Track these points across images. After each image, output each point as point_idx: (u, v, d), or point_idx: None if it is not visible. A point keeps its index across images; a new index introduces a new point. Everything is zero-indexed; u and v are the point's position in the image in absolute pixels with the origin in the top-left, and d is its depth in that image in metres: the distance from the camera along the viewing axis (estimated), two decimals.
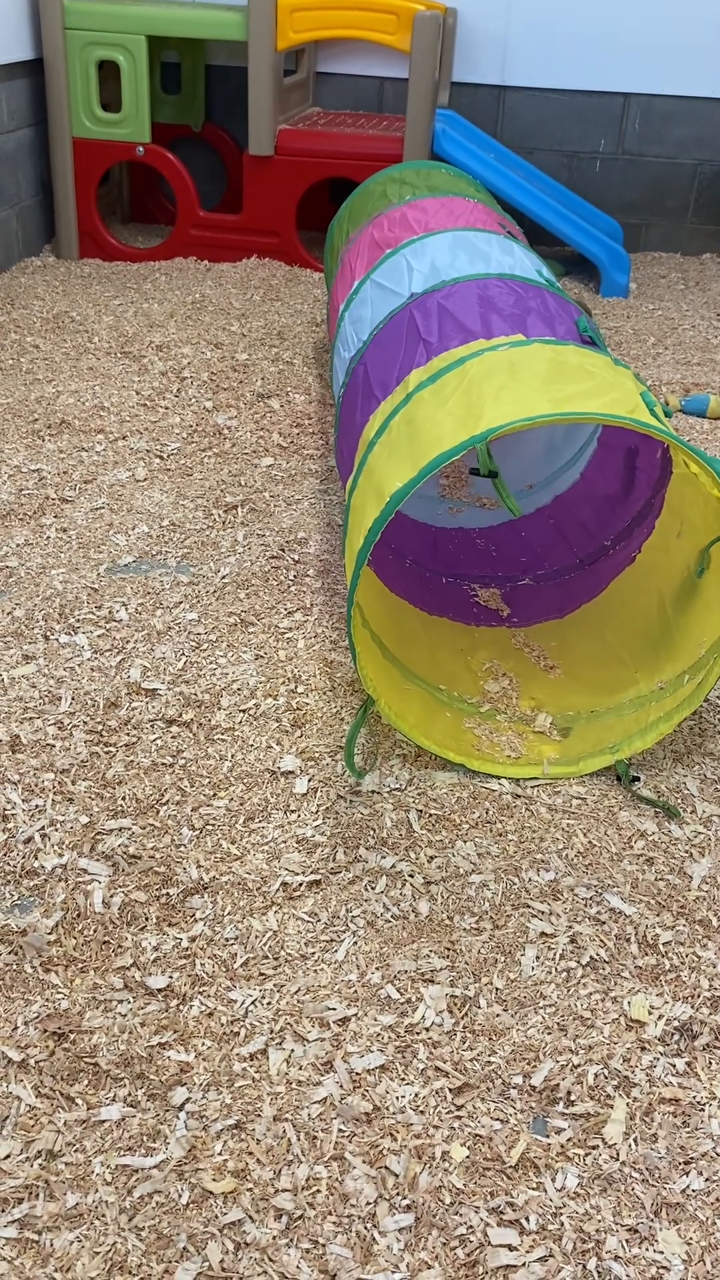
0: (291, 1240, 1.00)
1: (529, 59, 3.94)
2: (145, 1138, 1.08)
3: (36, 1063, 1.14)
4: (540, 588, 1.90)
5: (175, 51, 3.99)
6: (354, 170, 3.49)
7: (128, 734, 1.59)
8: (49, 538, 2.08)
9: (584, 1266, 0.99)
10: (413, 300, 1.84)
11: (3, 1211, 1.01)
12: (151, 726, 1.60)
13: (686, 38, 3.85)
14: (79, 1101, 1.11)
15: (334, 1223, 1.01)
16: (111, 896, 1.33)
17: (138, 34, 3.43)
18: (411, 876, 1.37)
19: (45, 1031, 1.17)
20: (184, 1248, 0.99)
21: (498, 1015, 1.21)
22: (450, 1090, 1.13)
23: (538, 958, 1.28)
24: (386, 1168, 1.06)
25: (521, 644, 1.80)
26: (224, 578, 1.98)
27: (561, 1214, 1.03)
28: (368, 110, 4.09)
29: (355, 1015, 1.20)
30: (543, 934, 1.30)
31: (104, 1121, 1.09)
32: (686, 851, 1.44)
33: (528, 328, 1.65)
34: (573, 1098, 1.13)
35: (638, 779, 1.55)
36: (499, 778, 1.54)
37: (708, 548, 1.52)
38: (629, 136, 4.05)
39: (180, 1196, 1.03)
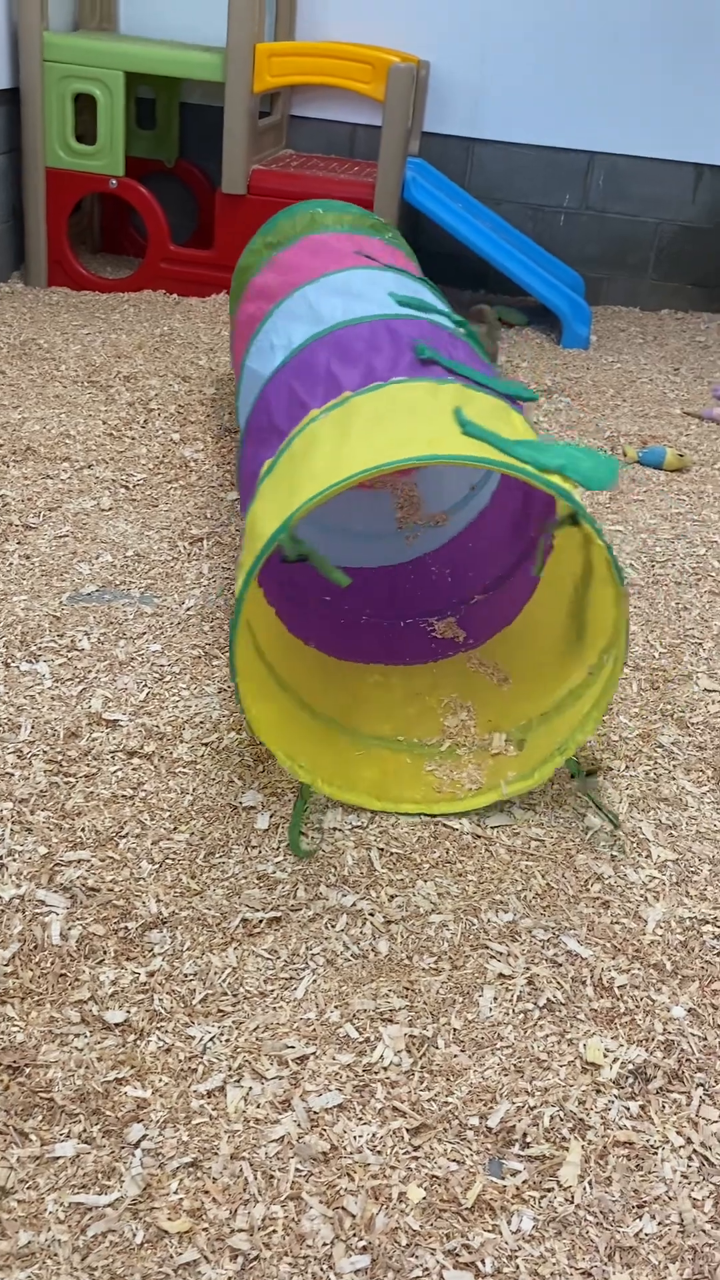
0: None
1: (499, 113, 4.04)
2: (100, 1175, 1.07)
3: None
4: (491, 599, 1.90)
5: (151, 88, 4.04)
6: None
7: (88, 764, 1.58)
8: (11, 564, 2.07)
9: None
10: (271, 381, 1.86)
11: None
12: (112, 758, 1.60)
13: (650, 103, 3.98)
14: (33, 1137, 1.09)
15: (290, 1264, 1.01)
16: (69, 929, 1.31)
17: (116, 70, 3.47)
18: (372, 915, 1.38)
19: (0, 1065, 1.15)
20: None
21: (455, 1056, 1.21)
22: (408, 1130, 1.13)
23: (495, 999, 1.28)
24: (344, 1208, 1.05)
25: (476, 665, 1.82)
26: (188, 610, 1.98)
27: (517, 1257, 1.03)
28: (339, 155, 4.16)
29: (314, 1054, 1.20)
30: (501, 975, 1.32)
31: (58, 1158, 1.08)
32: (642, 895, 1.46)
33: (361, 381, 1.65)
34: (529, 1139, 1.14)
35: (593, 773, 1.57)
36: (460, 815, 1.56)
37: (547, 539, 1.58)
38: (593, 193, 4.16)
39: (134, 1236, 1.02)
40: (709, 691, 1.90)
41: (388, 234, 2.51)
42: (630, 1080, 1.21)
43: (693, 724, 1.81)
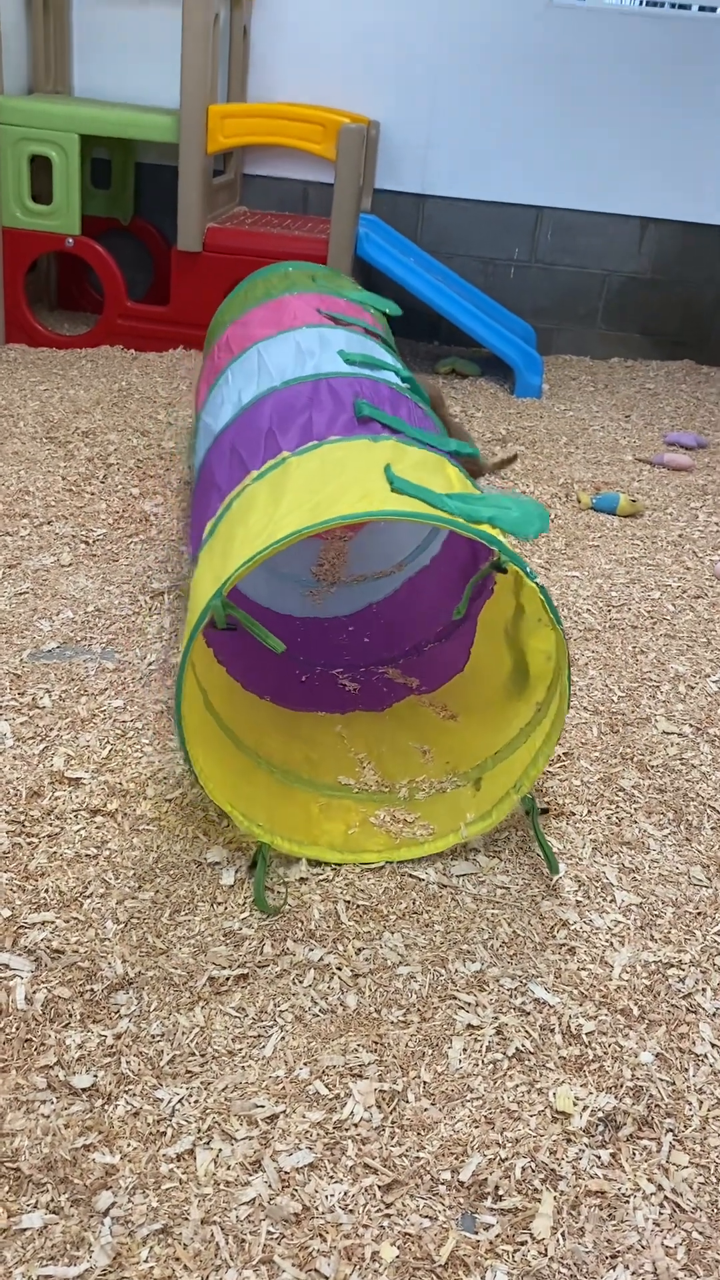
0: None
1: (448, 170, 4.14)
2: (68, 1246, 1.05)
3: None
4: (442, 646, 1.92)
5: (106, 148, 4.10)
6: None
7: (51, 824, 1.57)
8: None
9: None
10: (216, 441, 1.88)
11: None
12: (75, 816, 1.59)
13: (595, 159, 4.10)
14: None
15: None
16: (34, 993, 1.30)
17: (70, 132, 3.52)
18: (339, 969, 1.38)
19: None
20: None
21: (426, 1109, 1.21)
22: (379, 1188, 1.13)
23: (464, 1050, 1.29)
24: (316, 1270, 1.04)
25: (426, 703, 1.83)
26: (150, 664, 1.98)
27: None
28: (292, 211, 4.24)
29: (283, 1112, 1.19)
30: (469, 1026, 1.32)
31: (25, 1230, 1.06)
32: (607, 941, 1.47)
33: (299, 440, 1.68)
34: (500, 1192, 1.13)
35: (546, 810, 1.59)
36: (424, 863, 1.56)
37: (471, 585, 1.63)
38: (541, 246, 4.26)
39: None
40: (667, 734, 1.93)
41: (354, 293, 2.54)
42: (600, 1128, 1.21)
43: (652, 767, 1.83)
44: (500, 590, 1.71)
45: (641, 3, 4.05)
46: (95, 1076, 1.21)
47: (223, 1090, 1.21)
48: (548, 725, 1.56)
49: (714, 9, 3.96)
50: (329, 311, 2.23)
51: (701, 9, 3.98)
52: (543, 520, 1.48)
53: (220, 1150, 1.15)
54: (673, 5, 4.01)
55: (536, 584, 1.42)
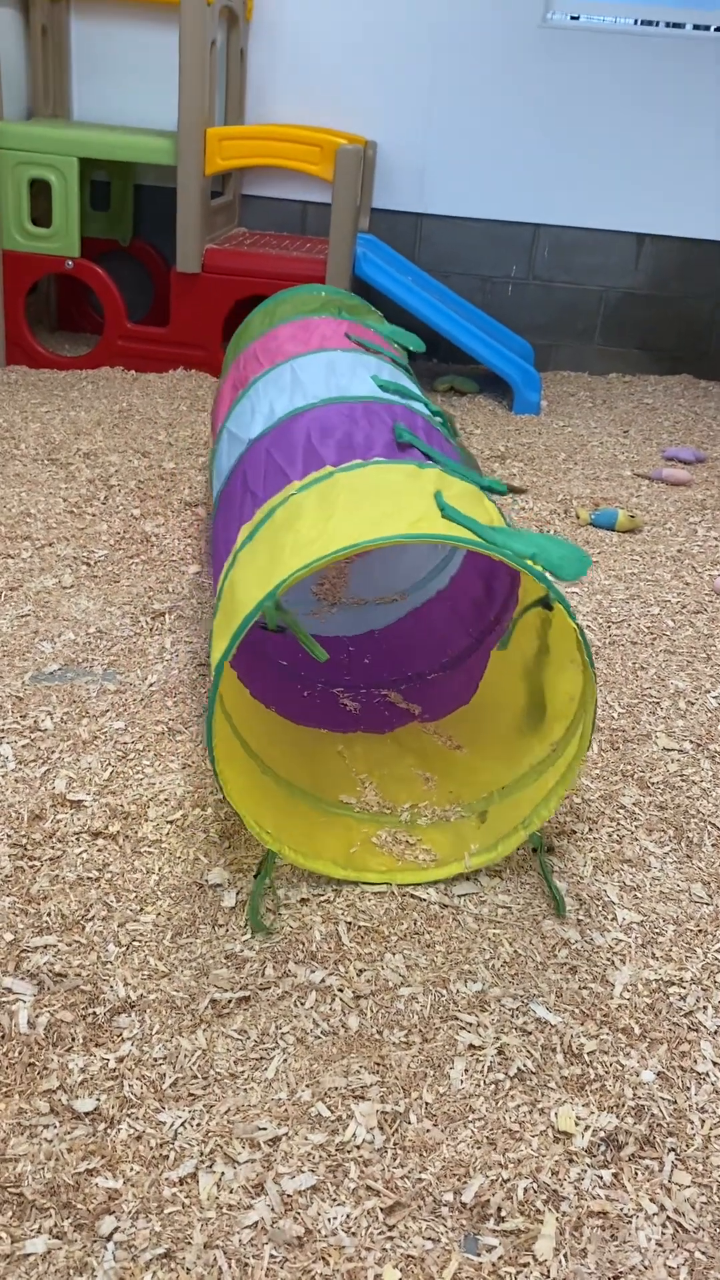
0: None
1: (445, 189, 4.17)
2: (72, 1271, 1.05)
3: None
4: (446, 676, 1.94)
5: (106, 171, 4.13)
6: (278, 289, 3.61)
7: (52, 847, 1.58)
8: None
9: None
10: (249, 449, 1.90)
11: None
12: (77, 839, 1.60)
13: (591, 176, 4.12)
14: (2, 1235, 1.08)
15: None
16: (37, 1016, 1.31)
17: (69, 156, 3.56)
18: (341, 991, 1.38)
19: None
20: None
21: (428, 1131, 1.21)
22: (382, 1210, 1.13)
23: (466, 1070, 1.29)
24: None
25: (431, 731, 1.84)
26: (151, 685, 1.99)
27: None
28: (291, 232, 4.27)
29: (286, 1134, 1.20)
30: (471, 1046, 1.32)
31: (29, 1255, 1.06)
32: (608, 960, 1.47)
33: (339, 456, 1.69)
34: (503, 1213, 1.13)
35: (552, 849, 1.59)
36: (424, 884, 1.57)
37: (517, 618, 1.62)
38: (539, 263, 4.28)
39: None
40: (667, 750, 1.93)
41: (379, 324, 2.56)
42: (602, 1148, 1.21)
43: (653, 784, 1.84)
44: (521, 627, 1.72)
45: (636, 22, 4.08)
46: (98, 1100, 1.22)
47: (225, 1113, 1.21)
48: (563, 767, 1.57)
49: (708, 27, 3.99)
50: (358, 339, 2.25)
51: (696, 27, 4.01)
52: (583, 563, 1.50)
53: (223, 1173, 1.15)
54: (667, 24, 4.04)
55: (576, 624, 1.43)
